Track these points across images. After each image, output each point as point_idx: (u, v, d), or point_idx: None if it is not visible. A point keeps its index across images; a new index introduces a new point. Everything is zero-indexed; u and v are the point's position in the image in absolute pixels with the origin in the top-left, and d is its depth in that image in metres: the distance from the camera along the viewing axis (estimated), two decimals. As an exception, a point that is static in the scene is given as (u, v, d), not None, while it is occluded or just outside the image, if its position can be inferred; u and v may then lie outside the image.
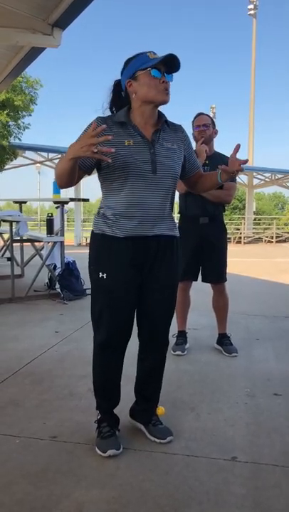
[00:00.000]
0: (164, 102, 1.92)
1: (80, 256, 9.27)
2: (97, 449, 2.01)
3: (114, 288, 1.93)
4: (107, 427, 2.06)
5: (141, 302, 2.03)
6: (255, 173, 22.17)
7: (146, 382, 2.18)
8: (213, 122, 3.41)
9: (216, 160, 3.38)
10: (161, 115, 1.99)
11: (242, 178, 21.90)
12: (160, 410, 2.23)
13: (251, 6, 29.01)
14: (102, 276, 1.93)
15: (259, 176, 22.58)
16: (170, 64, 1.87)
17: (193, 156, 2.13)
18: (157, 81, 1.86)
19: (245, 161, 1.94)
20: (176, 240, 2.05)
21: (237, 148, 1.95)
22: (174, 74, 1.91)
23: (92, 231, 2.00)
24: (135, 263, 1.94)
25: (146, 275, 1.98)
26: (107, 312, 1.96)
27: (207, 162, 3.32)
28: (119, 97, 2.00)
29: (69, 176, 1.83)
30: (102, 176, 1.96)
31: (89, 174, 1.96)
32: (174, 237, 2.03)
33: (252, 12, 29.22)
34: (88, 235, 20.78)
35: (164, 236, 1.97)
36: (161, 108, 1.98)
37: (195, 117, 3.39)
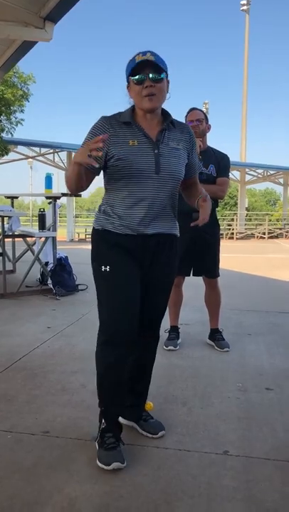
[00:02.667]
0: (150, 110, 1.89)
1: (73, 251, 9.27)
2: (98, 462, 1.87)
3: (118, 280, 1.92)
4: (112, 438, 1.93)
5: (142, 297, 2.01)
6: (247, 170, 22.23)
7: (136, 378, 2.15)
8: (206, 117, 3.40)
9: (209, 155, 3.39)
10: (166, 114, 1.98)
11: (234, 174, 21.96)
12: (148, 406, 2.22)
13: (244, 2, 28.96)
14: (106, 270, 1.92)
15: (251, 172, 22.65)
16: (151, 65, 1.83)
17: (195, 160, 2.09)
18: (140, 87, 1.86)
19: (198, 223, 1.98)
20: (175, 238, 2.05)
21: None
22: (165, 73, 1.87)
23: (93, 227, 2.00)
24: (135, 257, 1.94)
25: (145, 272, 1.97)
26: (113, 305, 1.91)
27: (200, 157, 3.31)
28: None
29: (76, 179, 1.88)
30: (107, 174, 1.96)
31: (98, 175, 1.98)
32: (174, 235, 2.04)
33: (245, 8, 29.17)
34: (81, 230, 20.84)
35: (164, 234, 1.98)
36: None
37: (188, 112, 3.38)
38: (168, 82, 1.93)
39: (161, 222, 1.96)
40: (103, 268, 1.92)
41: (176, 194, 2.01)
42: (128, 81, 1.92)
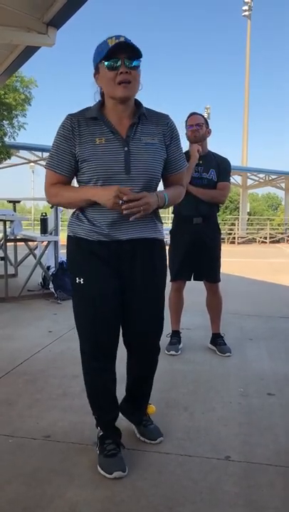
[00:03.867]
0: (124, 98, 1.71)
1: (74, 256, 9.29)
2: (100, 469, 1.85)
3: (92, 292, 1.81)
4: (112, 444, 1.90)
5: (124, 309, 1.89)
6: (249, 174, 22.26)
7: (136, 389, 2.11)
8: (206, 122, 3.41)
9: (210, 160, 3.39)
10: (138, 105, 1.80)
11: (236, 179, 22.00)
12: (151, 409, 2.18)
13: (246, 8, 29.11)
14: (79, 282, 1.83)
15: (253, 177, 22.68)
16: (127, 49, 1.65)
17: (177, 154, 1.89)
18: (114, 73, 1.67)
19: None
20: (158, 242, 1.90)
21: None
22: (141, 60, 1.70)
23: (67, 234, 1.90)
24: (111, 266, 1.82)
25: (126, 280, 1.85)
26: (87, 319, 1.85)
27: (201, 162, 3.33)
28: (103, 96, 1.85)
29: (73, 206, 1.88)
30: (77, 177, 1.85)
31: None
32: (155, 239, 1.88)
33: (246, 13, 29.31)
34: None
35: (142, 239, 1.83)
36: (153, 103, 1.87)
37: (188, 117, 3.39)
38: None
39: (137, 227, 1.80)
40: (77, 280, 1.84)
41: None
42: (96, 68, 1.74)
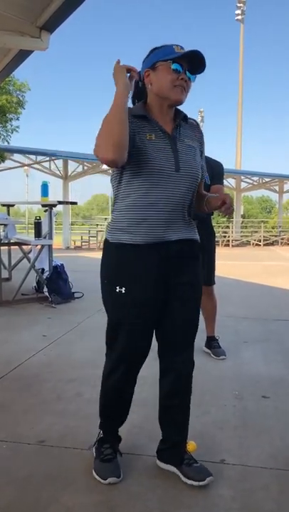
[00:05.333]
0: (178, 102, 1.75)
1: (69, 259, 9.26)
2: (95, 473, 1.85)
3: (134, 303, 1.74)
4: (109, 449, 1.89)
5: (164, 316, 1.83)
6: (242, 177, 22.33)
7: (169, 408, 1.92)
8: (197, 125, 3.41)
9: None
10: (178, 110, 1.83)
11: (230, 182, 22.07)
12: (192, 446, 1.91)
13: (239, 12, 29.29)
14: (120, 291, 1.73)
15: (247, 180, 22.75)
16: (194, 62, 1.70)
17: (204, 163, 1.92)
18: (175, 76, 1.70)
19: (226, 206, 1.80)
20: (198, 244, 1.88)
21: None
22: (197, 75, 1.75)
23: (107, 240, 1.80)
24: (160, 273, 1.75)
25: (172, 286, 1.79)
26: (125, 330, 1.77)
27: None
28: (139, 90, 1.83)
29: (123, 118, 1.61)
30: (120, 174, 1.76)
31: (131, 148, 1.67)
32: (196, 241, 1.87)
33: (239, 17, 29.49)
34: (77, 238, 20.79)
35: (187, 240, 1.80)
36: None
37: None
38: None
39: (182, 227, 1.78)
40: (118, 289, 1.74)
41: (194, 197, 1.84)
42: (153, 66, 1.74)
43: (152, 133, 1.73)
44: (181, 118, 1.82)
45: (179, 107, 1.82)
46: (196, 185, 1.82)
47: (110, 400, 1.92)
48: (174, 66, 1.70)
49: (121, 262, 1.76)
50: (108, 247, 1.80)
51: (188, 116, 1.88)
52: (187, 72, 1.71)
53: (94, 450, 1.95)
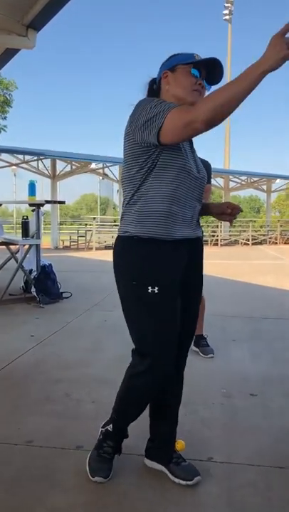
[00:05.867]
0: (192, 104, 1.67)
1: (57, 259, 9.23)
2: (87, 465, 1.85)
3: (168, 302, 1.67)
4: (110, 447, 1.86)
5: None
6: (231, 177, 22.44)
7: (163, 406, 1.91)
8: None
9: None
10: None
11: (218, 182, 22.15)
12: (180, 445, 1.92)
13: (226, 12, 29.42)
14: (153, 291, 1.63)
15: (235, 179, 22.86)
16: (212, 72, 1.73)
17: None
18: (194, 80, 1.71)
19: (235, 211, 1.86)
20: (202, 241, 1.91)
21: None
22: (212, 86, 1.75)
23: (128, 236, 1.67)
24: (181, 267, 1.72)
25: (184, 280, 1.75)
26: (164, 332, 1.68)
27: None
28: (153, 93, 1.81)
29: (244, 98, 1.45)
30: (153, 161, 1.64)
31: None
32: (201, 238, 1.91)
33: (227, 17, 29.63)
34: (65, 237, 20.67)
35: (199, 238, 1.83)
36: None
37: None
38: None
39: (197, 225, 1.81)
40: (150, 289, 1.63)
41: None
42: (173, 68, 1.73)
43: None
44: None
45: None
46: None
47: (135, 408, 1.84)
48: (193, 71, 1.71)
49: (152, 259, 1.65)
50: (131, 242, 1.67)
51: None
52: (204, 80, 1.73)
53: (99, 433, 1.90)
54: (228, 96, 1.43)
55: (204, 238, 3.27)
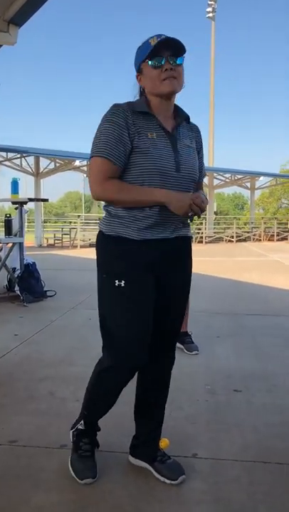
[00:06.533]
0: (171, 93, 1.70)
1: (41, 257, 9.16)
2: (71, 470, 1.83)
3: (134, 296, 1.70)
4: (88, 444, 1.87)
5: (159, 310, 1.79)
6: (215, 174, 22.53)
7: (148, 404, 1.91)
8: None
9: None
10: (178, 109, 1.80)
11: (202, 179, 22.22)
12: (164, 443, 1.91)
13: (210, 9, 29.50)
14: (120, 284, 1.68)
15: (219, 177, 22.96)
16: (172, 46, 1.65)
17: (202, 163, 1.90)
18: (158, 71, 1.66)
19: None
20: (190, 240, 1.88)
21: None
22: (184, 56, 1.69)
23: (103, 233, 1.75)
24: (153, 266, 1.72)
25: (163, 279, 1.76)
26: (127, 325, 1.70)
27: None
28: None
29: (133, 205, 1.67)
30: (124, 171, 1.70)
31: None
32: (190, 237, 1.87)
33: (210, 15, 29.70)
34: (49, 236, 20.52)
35: (183, 238, 1.80)
36: None
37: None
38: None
39: (179, 225, 1.76)
40: (116, 282, 1.68)
41: None
42: (139, 69, 1.73)
43: (154, 131, 1.69)
44: (183, 118, 1.79)
45: (179, 107, 1.80)
46: (193, 186, 1.78)
47: (104, 397, 1.85)
48: (150, 63, 1.67)
49: (119, 254, 1.71)
50: (104, 240, 1.75)
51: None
52: (170, 59, 1.66)
53: (71, 437, 1.90)
54: (125, 199, 1.67)
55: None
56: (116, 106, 1.69)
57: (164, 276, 1.76)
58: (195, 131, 1.86)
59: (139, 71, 1.74)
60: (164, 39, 1.64)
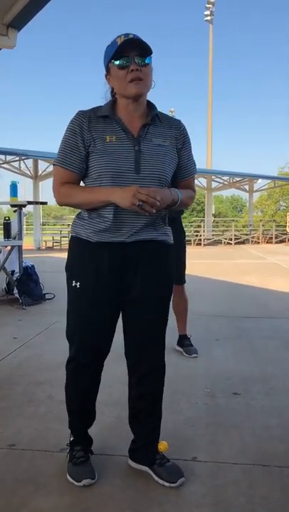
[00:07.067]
0: (137, 95, 1.67)
1: (40, 260, 9.16)
2: (69, 477, 1.83)
3: (88, 298, 1.75)
4: (81, 451, 1.88)
5: (126, 317, 1.82)
6: (213, 177, 22.56)
7: (144, 414, 1.90)
8: None
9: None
10: (151, 107, 1.77)
11: (201, 182, 22.25)
12: (163, 445, 1.90)
13: (208, 12, 29.60)
14: (76, 285, 1.75)
15: (217, 179, 23.00)
16: (137, 46, 1.63)
17: (187, 160, 1.86)
18: (124, 72, 1.64)
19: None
20: (166, 246, 1.82)
21: None
22: (151, 56, 1.67)
23: (70, 234, 1.84)
24: (112, 270, 1.72)
25: (130, 286, 1.75)
26: (80, 324, 1.79)
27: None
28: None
29: (86, 208, 1.74)
30: (85, 176, 1.77)
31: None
32: (163, 243, 1.80)
33: (208, 18, 29.80)
34: (48, 238, 20.56)
35: (149, 242, 1.74)
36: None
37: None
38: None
39: (144, 228, 1.72)
40: (73, 283, 1.76)
41: None
42: (107, 69, 1.71)
43: (113, 134, 1.70)
44: (153, 116, 1.75)
45: (152, 104, 1.78)
46: (165, 185, 1.74)
47: (73, 397, 1.91)
48: (116, 63, 1.65)
49: (77, 256, 1.79)
50: (70, 240, 1.84)
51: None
52: (136, 59, 1.64)
53: (67, 455, 1.93)
54: (78, 202, 1.74)
55: (187, 238, 3.22)
56: (77, 113, 1.73)
57: (129, 281, 1.75)
58: (175, 128, 1.81)
59: (107, 71, 1.72)
60: (130, 39, 1.62)
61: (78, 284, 1.76)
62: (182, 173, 1.86)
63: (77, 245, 1.79)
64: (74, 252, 1.81)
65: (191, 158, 1.88)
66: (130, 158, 1.68)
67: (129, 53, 1.63)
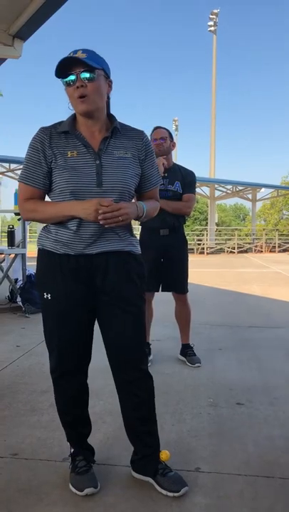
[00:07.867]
0: (83, 113, 1.71)
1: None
2: (71, 487, 1.81)
3: (59, 309, 1.77)
4: (82, 461, 1.88)
5: (102, 329, 1.86)
6: (216, 186, 22.64)
7: (139, 424, 1.89)
8: (170, 135, 3.46)
9: (175, 172, 3.45)
10: (112, 119, 1.79)
11: (204, 190, 22.33)
12: (164, 455, 1.88)
13: (211, 23, 29.82)
14: (47, 297, 1.79)
15: (221, 188, 23.06)
16: (80, 62, 1.63)
17: (151, 171, 1.87)
18: (72, 89, 1.68)
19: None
20: (133, 257, 1.83)
21: None
22: (95, 72, 1.66)
23: (37, 246, 1.86)
24: (81, 282, 1.75)
25: (99, 297, 1.79)
26: (55, 335, 1.81)
27: (166, 175, 3.37)
28: None
29: (50, 222, 1.78)
30: (49, 191, 1.80)
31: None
32: (130, 253, 1.81)
33: (212, 29, 30.02)
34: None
35: (113, 253, 1.76)
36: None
37: (152, 131, 3.42)
38: (110, 82, 1.76)
39: (109, 240, 1.75)
40: (44, 295, 1.79)
41: None
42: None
43: (74, 150, 1.72)
44: (112, 128, 1.77)
45: (113, 117, 1.80)
46: (127, 198, 1.77)
47: (62, 407, 1.94)
48: (62, 81, 1.69)
49: (44, 268, 1.82)
50: (37, 253, 1.85)
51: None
52: (82, 75, 1.64)
53: (69, 466, 1.92)
54: (42, 217, 1.77)
55: (190, 247, 3.22)
56: (38, 130, 1.76)
57: (98, 292, 1.78)
58: (137, 139, 1.82)
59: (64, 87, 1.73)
60: (64, 59, 1.63)
61: (49, 295, 1.78)
62: (146, 184, 1.88)
63: (43, 257, 1.81)
64: (41, 265, 1.83)
65: (155, 169, 1.90)
66: (92, 172, 1.70)
67: (74, 70, 1.65)
